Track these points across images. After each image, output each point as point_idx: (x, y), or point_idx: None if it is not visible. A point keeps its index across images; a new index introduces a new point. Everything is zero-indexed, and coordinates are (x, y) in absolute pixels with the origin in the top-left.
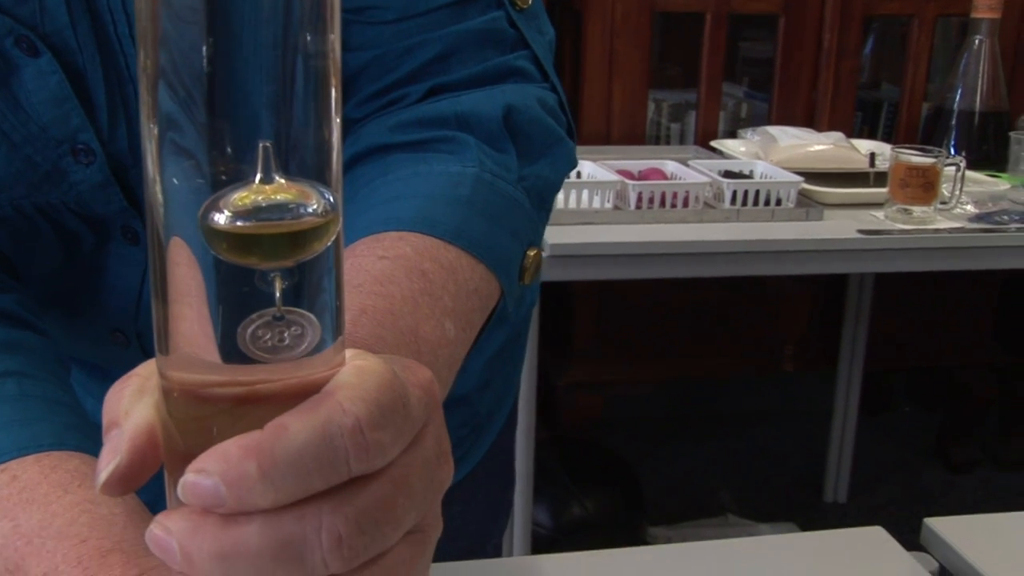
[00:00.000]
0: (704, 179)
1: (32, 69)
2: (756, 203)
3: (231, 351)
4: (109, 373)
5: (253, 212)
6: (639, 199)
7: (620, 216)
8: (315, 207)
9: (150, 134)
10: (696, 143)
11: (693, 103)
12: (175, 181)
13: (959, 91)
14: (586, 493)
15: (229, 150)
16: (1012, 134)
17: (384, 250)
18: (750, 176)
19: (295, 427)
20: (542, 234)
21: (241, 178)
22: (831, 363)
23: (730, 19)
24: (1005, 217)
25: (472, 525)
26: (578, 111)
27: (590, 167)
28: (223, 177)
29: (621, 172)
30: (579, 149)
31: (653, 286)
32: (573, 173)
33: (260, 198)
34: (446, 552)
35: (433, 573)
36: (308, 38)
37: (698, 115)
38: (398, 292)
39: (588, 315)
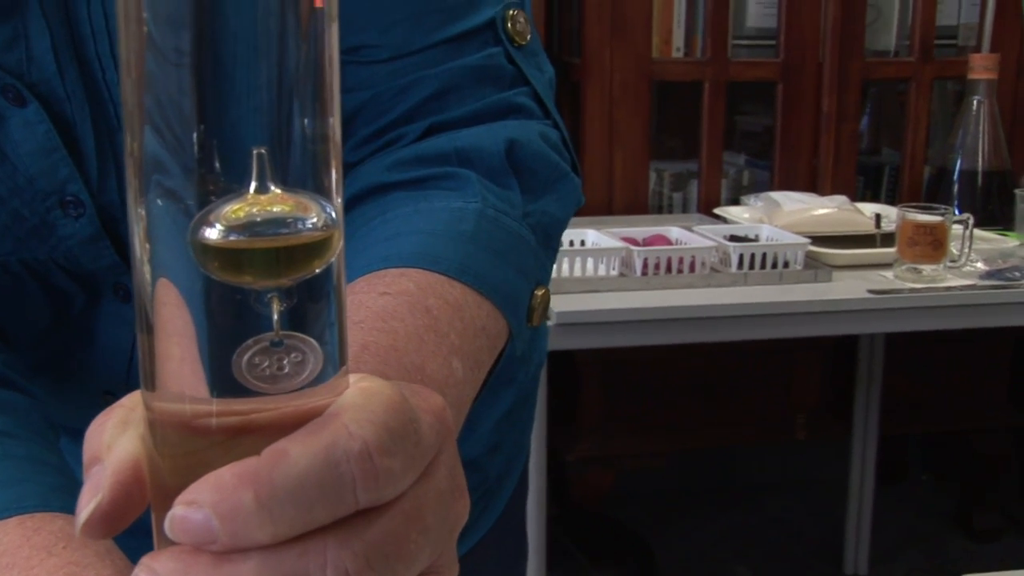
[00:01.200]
0: (710, 243)
1: (19, 119)
2: (763, 266)
3: (224, 386)
4: None
5: (247, 226)
6: (644, 265)
7: (626, 283)
8: (315, 220)
9: (132, 175)
10: (699, 211)
11: (695, 172)
12: (161, 222)
13: (961, 152)
14: (601, 569)
15: (218, 188)
16: (1017, 192)
17: (386, 286)
18: (756, 240)
19: (296, 452)
20: (550, 273)
21: None
22: (845, 430)
23: (728, 89)
24: (1016, 273)
25: None
26: (580, 181)
27: (594, 235)
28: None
29: (625, 239)
30: (582, 219)
31: (660, 356)
32: (577, 241)
33: (255, 210)
34: None
35: None
36: (305, 65)
37: (700, 183)
38: (402, 328)
39: (595, 388)
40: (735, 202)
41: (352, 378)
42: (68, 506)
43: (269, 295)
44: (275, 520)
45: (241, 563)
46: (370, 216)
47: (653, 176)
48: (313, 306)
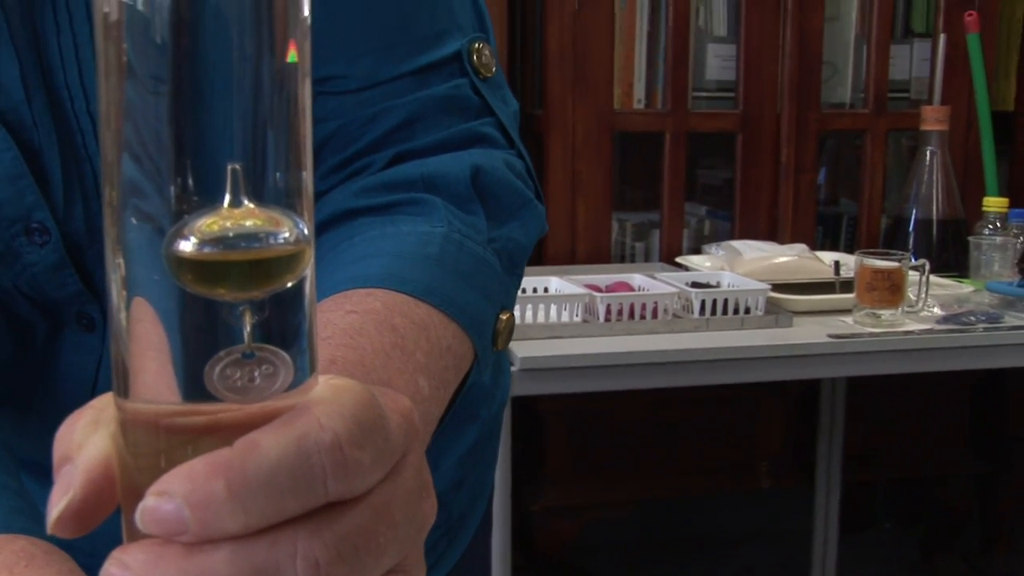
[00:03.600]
0: (672, 290)
1: None
2: (725, 312)
3: (196, 396)
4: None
5: (220, 239)
6: (608, 311)
7: (589, 329)
8: (287, 235)
9: (109, 224)
10: (661, 260)
11: (656, 222)
12: (136, 243)
13: (915, 201)
14: None
15: (191, 207)
16: (971, 239)
17: (353, 305)
18: (717, 286)
19: (267, 443)
20: (514, 299)
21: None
22: (808, 478)
23: (688, 141)
24: (972, 318)
25: None
26: (544, 209)
27: (557, 282)
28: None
29: (589, 286)
30: (545, 267)
31: (624, 406)
32: (541, 288)
33: (228, 223)
34: None
35: None
36: (280, 94)
37: (662, 233)
38: (369, 345)
39: (560, 438)
40: (696, 251)
41: (321, 377)
42: (29, 529)
43: (241, 308)
44: (247, 510)
45: (212, 553)
46: (337, 241)
47: (615, 226)
48: (284, 319)
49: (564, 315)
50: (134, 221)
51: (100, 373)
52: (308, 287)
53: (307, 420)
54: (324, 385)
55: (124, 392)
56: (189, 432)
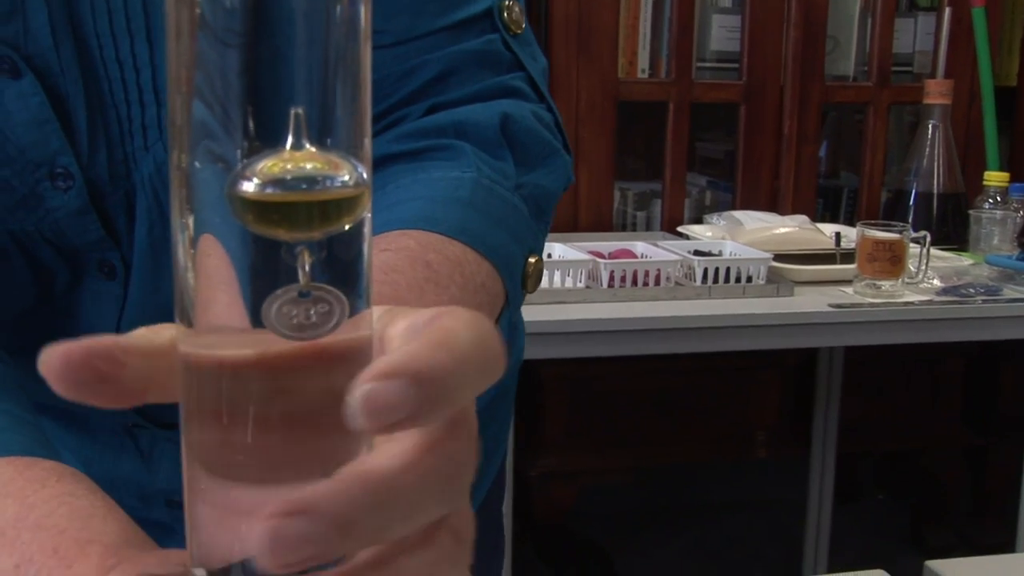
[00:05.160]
0: (675, 257)
1: (13, 90)
2: (727, 280)
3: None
4: (83, 419)
5: (282, 180)
6: (611, 278)
7: (592, 295)
8: (346, 179)
9: (176, 186)
10: (663, 230)
11: (658, 192)
12: (206, 184)
13: (916, 175)
14: None
15: (257, 150)
16: (971, 212)
17: (387, 244)
18: (719, 255)
19: (459, 329)
20: (542, 244)
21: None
22: (803, 448)
23: (691, 112)
24: (971, 290)
25: None
26: (571, 159)
27: (560, 248)
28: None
29: (592, 253)
30: (548, 235)
31: (623, 374)
32: (544, 253)
33: (289, 166)
34: None
35: None
36: (347, 46)
37: (664, 202)
38: (403, 280)
39: (559, 404)
40: (698, 221)
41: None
42: (53, 457)
43: (299, 248)
44: (467, 386)
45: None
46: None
47: (617, 195)
48: (342, 260)
49: (568, 281)
50: (201, 165)
51: (122, 322)
52: (366, 230)
53: (466, 312)
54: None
55: (189, 320)
56: (255, 367)
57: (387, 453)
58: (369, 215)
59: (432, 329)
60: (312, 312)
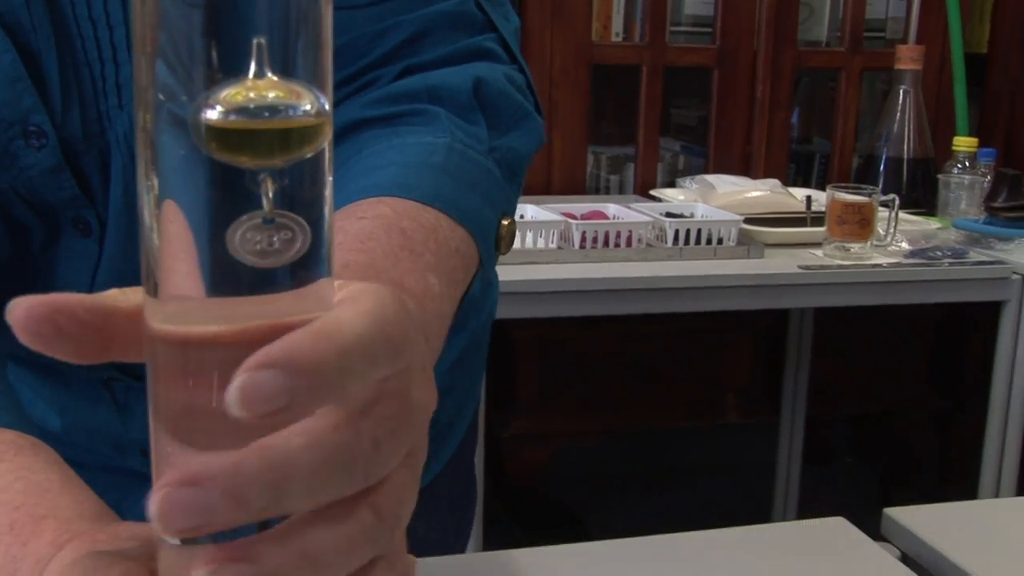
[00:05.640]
0: (647, 219)
1: None
2: (698, 242)
3: (223, 287)
4: (58, 371)
5: (245, 108)
6: (583, 239)
7: (564, 255)
8: (308, 108)
9: (142, 147)
10: (636, 193)
11: (631, 156)
12: (169, 148)
13: (887, 140)
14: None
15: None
16: (940, 177)
17: (362, 212)
18: (691, 217)
19: (348, 316)
20: (515, 206)
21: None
22: (773, 412)
23: (665, 76)
24: (939, 253)
25: (436, 534)
26: (543, 121)
27: (533, 210)
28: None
29: (564, 214)
30: (521, 196)
31: (595, 336)
32: (517, 214)
33: (252, 94)
34: None
35: None
36: (308, 6)
37: (637, 166)
38: (379, 248)
39: (532, 367)
40: (671, 185)
41: (336, 282)
42: (14, 425)
43: (262, 175)
44: (354, 374)
45: (295, 437)
46: (347, 156)
47: (591, 159)
48: (303, 190)
49: (540, 241)
50: (164, 127)
51: (96, 279)
52: (325, 162)
53: (374, 297)
54: (346, 290)
55: (153, 288)
56: (217, 341)
57: (296, 429)
58: (329, 147)
59: (324, 319)
60: (275, 239)
